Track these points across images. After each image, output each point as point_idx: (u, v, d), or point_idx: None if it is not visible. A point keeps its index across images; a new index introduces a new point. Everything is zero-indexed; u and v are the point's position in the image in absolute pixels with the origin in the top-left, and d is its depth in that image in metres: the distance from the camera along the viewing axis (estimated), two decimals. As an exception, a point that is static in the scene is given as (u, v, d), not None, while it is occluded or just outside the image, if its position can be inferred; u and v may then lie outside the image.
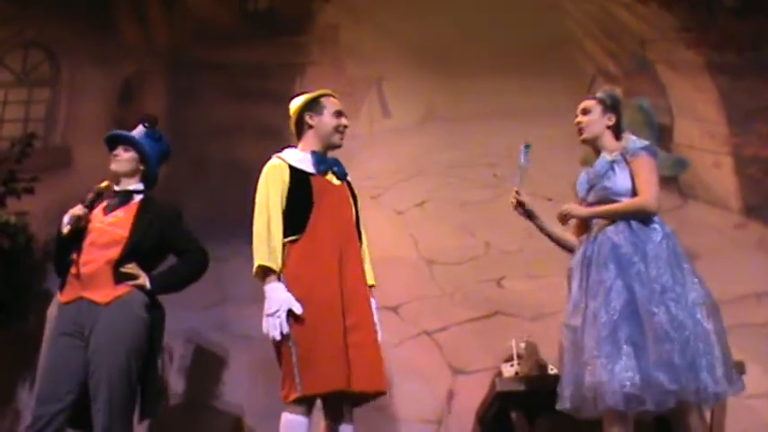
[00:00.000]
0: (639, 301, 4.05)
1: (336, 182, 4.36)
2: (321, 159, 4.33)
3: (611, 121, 4.47)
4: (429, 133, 6.37)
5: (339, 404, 4.09)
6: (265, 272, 4.06)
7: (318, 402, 4.10)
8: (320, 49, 6.77)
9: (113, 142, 4.66)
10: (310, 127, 4.42)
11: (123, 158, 4.63)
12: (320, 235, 4.13)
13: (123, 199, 4.54)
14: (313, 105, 4.44)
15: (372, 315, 4.25)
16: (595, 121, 4.48)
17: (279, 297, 3.99)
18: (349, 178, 4.47)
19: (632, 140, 4.40)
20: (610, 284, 4.14)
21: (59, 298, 4.26)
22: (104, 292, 4.26)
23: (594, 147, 4.52)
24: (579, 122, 4.52)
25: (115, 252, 4.33)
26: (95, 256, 4.30)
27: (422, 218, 6.12)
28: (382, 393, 4.16)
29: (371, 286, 4.40)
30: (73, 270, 4.27)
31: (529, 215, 4.61)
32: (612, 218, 4.29)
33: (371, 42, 6.72)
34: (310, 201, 4.19)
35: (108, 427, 4.08)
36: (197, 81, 6.78)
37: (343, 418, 4.12)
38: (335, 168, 4.38)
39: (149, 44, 7.00)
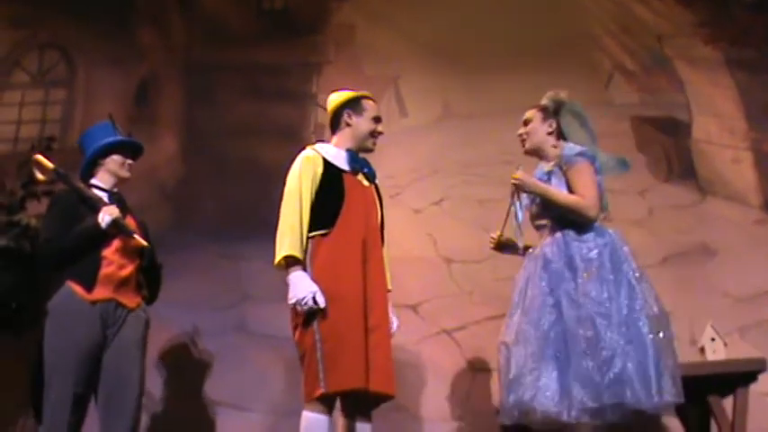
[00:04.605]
0: (566, 319, 4.03)
1: (366, 183, 4.37)
2: (355, 158, 4.34)
3: (552, 127, 4.44)
4: (446, 131, 6.37)
5: (358, 403, 4.09)
6: (289, 262, 4.05)
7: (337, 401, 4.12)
8: (336, 49, 6.76)
9: (133, 151, 4.69)
10: (348, 125, 4.42)
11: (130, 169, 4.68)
12: (348, 232, 4.14)
13: (123, 204, 4.59)
14: (354, 105, 4.44)
15: (389, 318, 4.27)
16: (535, 129, 4.44)
17: (306, 286, 3.98)
18: (377, 182, 4.47)
19: (567, 148, 4.34)
20: (541, 301, 4.13)
21: (85, 295, 4.24)
22: (132, 297, 4.41)
23: (539, 156, 4.48)
24: (520, 134, 4.49)
25: (138, 259, 4.46)
26: (127, 260, 4.40)
27: (440, 216, 6.12)
28: (392, 397, 4.16)
29: (388, 291, 4.42)
30: (107, 270, 4.31)
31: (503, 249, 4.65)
32: (554, 204, 4.23)
33: (388, 41, 6.71)
34: (341, 197, 4.19)
35: (134, 428, 4.22)
36: (213, 81, 6.79)
37: (362, 417, 4.13)
38: (366, 170, 4.38)
39: (165, 44, 7.00)
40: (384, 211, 4.48)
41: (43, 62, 7.15)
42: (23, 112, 6.99)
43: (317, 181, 4.22)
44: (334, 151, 4.37)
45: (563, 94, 4.51)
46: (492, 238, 4.63)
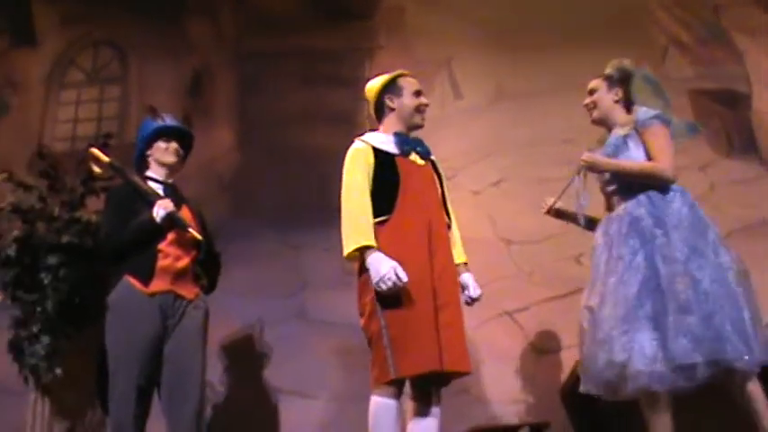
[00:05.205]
0: (662, 275, 4.01)
1: (420, 162, 4.33)
2: (404, 140, 4.31)
3: (618, 95, 4.47)
4: (502, 111, 6.29)
5: (428, 385, 4.07)
6: (361, 250, 4.02)
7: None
8: (387, 33, 6.72)
9: (178, 135, 4.71)
10: (391, 110, 4.39)
11: (180, 156, 4.69)
12: (408, 216, 4.11)
13: (178, 195, 4.62)
14: (392, 87, 4.40)
15: (459, 294, 4.23)
16: (602, 98, 4.48)
17: (386, 263, 3.92)
18: (433, 157, 4.44)
19: (642, 111, 4.36)
20: (629, 260, 4.11)
21: (143, 288, 4.29)
22: (190, 289, 4.43)
23: (607, 125, 4.51)
24: (586, 104, 4.53)
25: (194, 251, 4.48)
26: (184, 252, 4.42)
27: (498, 197, 6.06)
28: (468, 373, 4.14)
29: (464, 263, 4.39)
30: (163, 263, 4.34)
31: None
32: (629, 175, 4.27)
33: (438, 23, 6.64)
34: (396, 182, 4.16)
35: (197, 419, 4.24)
36: (265, 70, 6.80)
37: (432, 400, 4.10)
38: (419, 148, 4.34)
39: (216, 35, 7.03)
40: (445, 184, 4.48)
41: (97, 60, 7.22)
42: (79, 110, 7.07)
43: (371, 171, 4.20)
44: (383, 137, 4.35)
45: (627, 62, 4.51)
46: (545, 203, 4.63)
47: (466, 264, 4.41)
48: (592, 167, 4.36)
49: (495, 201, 6.06)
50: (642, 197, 4.23)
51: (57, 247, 5.29)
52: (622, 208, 4.29)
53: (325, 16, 6.86)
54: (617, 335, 3.99)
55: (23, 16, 7.34)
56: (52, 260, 5.26)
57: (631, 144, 4.32)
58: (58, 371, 5.17)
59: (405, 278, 3.91)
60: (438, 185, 4.38)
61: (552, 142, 5.97)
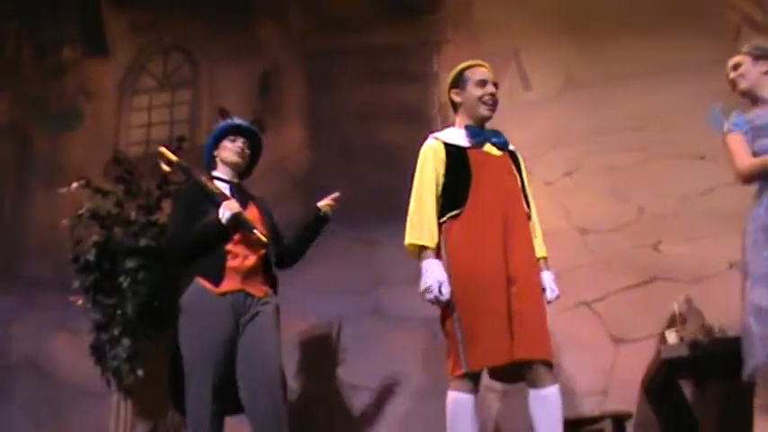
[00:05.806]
0: None
1: (497, 152, 4.29)
2: (476, 132, 4.28)
3: (765, 66, 4.40)
4: (571, 100, 6.20)
5: (521, 373, 3.98)
6: (419, 249, 4.06)
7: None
8: (454, 27, 6.65)
9: (245, 134, 4.77)
10: (460, 104, 4.37)
11: (246, 154, 4.74)
12: (481, 207, 4.08)
13: (244, 193, 4.67)
14: (457, 81, 4.39)
15: (539, 283, 4.16)
16: (749, 71, 4.42)
17: (434, 275, 3.97)
18: (512, 147, 4.39)
19: None
20: None
21: (213, 288, 4.33)
22: (259, 287, 4.47)
23: (753, 96, 4.43)
24: (732, 78, 4.48)
25: (263, 249, 4.52)
26: (252, 251, 4.47)
27: (571, 187, 5.99)
28: (544, 360, 3.94)
29: (545, 259, 4.32)
30: (233, 263, 4.38)
31: None
32: None
33: (505, 15, 6.57)
34: (468, 174, 4.14)
35: (277, 412, 4.28)
36: (333, 67, 6.81)
37: (542, 381, 3.93)
38: (494, 139, 4.30)
39: (283, 34, 7.05)
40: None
41: (168, 65, 7.30)
42: (152, 114, 7.15)
43: (442, 167, 4.20)
44: (456, 132, 4.34)
45: (763, 42, 4.53)
46: None
47: (546, 259, 4.34)
48: None
49: (567, 191, 5.98)
50: None
51: (134, 250, 5.38)
52: None
53: (392, 12, 6.83)
54: None
55: (95, 25, 7.45)
56: (130, 264, 5.35)
57: None
58: (140, 372, 5.26)
59: (447, 296, 3.94)
60: (516, 176, 4.32)
61: (623, 129, 5.90)
